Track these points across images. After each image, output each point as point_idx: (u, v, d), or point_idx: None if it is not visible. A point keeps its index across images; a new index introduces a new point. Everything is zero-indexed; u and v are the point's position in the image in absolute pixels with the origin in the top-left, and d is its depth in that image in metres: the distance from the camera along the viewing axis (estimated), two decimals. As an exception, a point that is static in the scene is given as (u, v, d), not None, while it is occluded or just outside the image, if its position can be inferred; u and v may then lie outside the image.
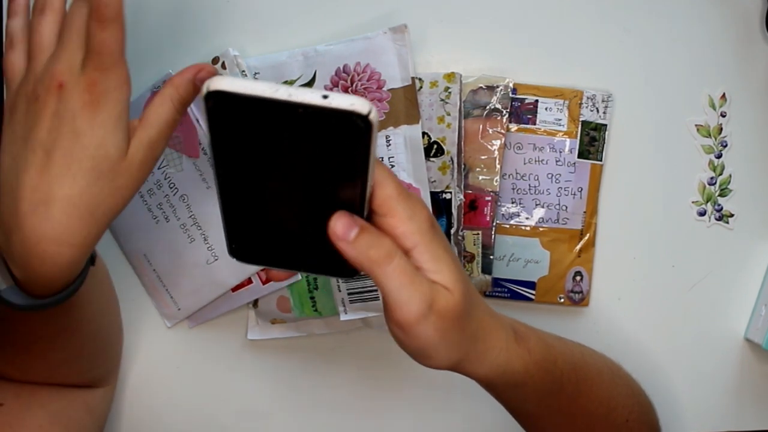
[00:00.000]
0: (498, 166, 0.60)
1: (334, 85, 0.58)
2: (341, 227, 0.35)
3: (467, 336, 0.39)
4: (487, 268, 0.61)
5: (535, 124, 0.61)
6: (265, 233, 0.37)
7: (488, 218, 0.61)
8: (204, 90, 0.30)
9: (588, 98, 0.61)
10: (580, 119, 0.61)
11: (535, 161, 0.61)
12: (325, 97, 0.30)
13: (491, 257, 0.61)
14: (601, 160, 0.62)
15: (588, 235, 0.62)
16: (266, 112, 0.30)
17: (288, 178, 0.33)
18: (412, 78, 0.58)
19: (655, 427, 0.54)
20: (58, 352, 0.51)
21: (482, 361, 0.40)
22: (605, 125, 0.62)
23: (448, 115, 0.59)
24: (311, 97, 0.30)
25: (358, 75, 0.58)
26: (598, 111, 0.61)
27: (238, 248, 0.39)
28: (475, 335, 0.39)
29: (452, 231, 0.59)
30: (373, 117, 0.30)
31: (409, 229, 0.36)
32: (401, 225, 0.36)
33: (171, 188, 0.60)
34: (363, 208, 0.35)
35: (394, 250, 0.36)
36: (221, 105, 0.31)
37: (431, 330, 0.36)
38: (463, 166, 0.60)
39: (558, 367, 0.45)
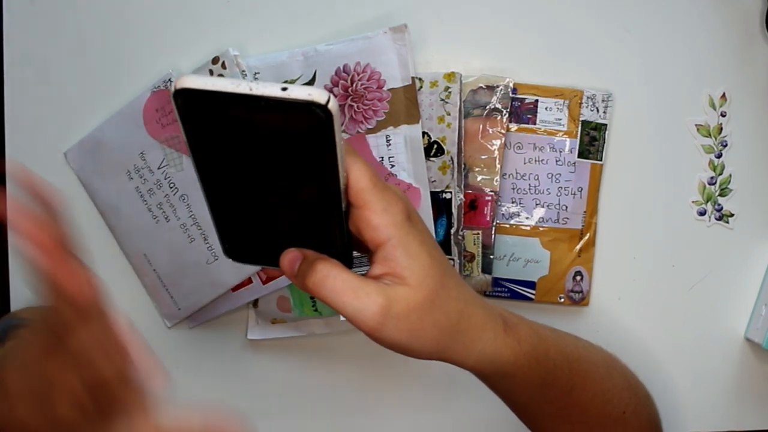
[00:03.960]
0: (498, 166, 0.60)
1: (334, 85, 0.58)
2: (287, 264, 0.36)
3: (443, 329, 0.38)
4: (487, 268, 0.61)
5: (535, 123, 0.61)
6: (253, 231, 0.38)
7: (488, 218, 0.61)
8: (172, 89, 0.31)
9: (588, 98, 0.61)
10: (580, 119, 0.61)
11: (535, 161, 0.61)
12: (284, 89, 0.30)
13: (491, 257, 0.61)
14: (601, 160, 0.62)
15: (588, 234, 0.62)
16: (231, 107, 0.31)
17: (262, 174, 0.34)
18: (412, 78, 0.58)
19: (653, 419, 0.54)
20: None
21: (468, 353, 0.40)
22: (605, 125, 0.62)
23: (448, 114, 0.59)
24: (271, 89, 0.30)
25: (358, 75, 0.58)
26: (598, 111, 0.61)
27: (231, 248, 0.39)
28: (455, 328, 0.39)
29: (452, 231, 0.59)
30: (332, 106, 0.30)
31: (382, 222, 0.36)
32: (375, 217, 0.36)
33: (171, 188, 0.60)
34: (340, 200, 0.35)
35: (327, 270, 0.36)
36: (189, 102, 0.31)
37: (395, 332, 0.37)
38: (463, 166, 0.60)
39: (550, 359, 0.44)
